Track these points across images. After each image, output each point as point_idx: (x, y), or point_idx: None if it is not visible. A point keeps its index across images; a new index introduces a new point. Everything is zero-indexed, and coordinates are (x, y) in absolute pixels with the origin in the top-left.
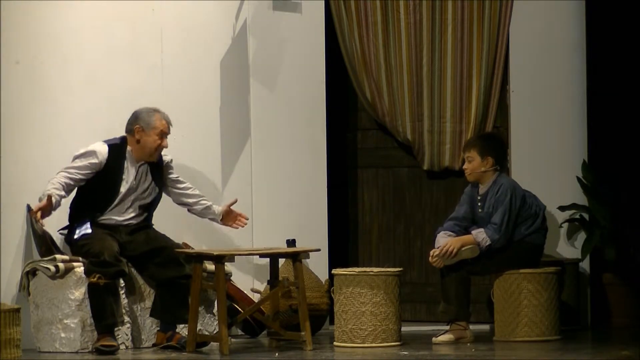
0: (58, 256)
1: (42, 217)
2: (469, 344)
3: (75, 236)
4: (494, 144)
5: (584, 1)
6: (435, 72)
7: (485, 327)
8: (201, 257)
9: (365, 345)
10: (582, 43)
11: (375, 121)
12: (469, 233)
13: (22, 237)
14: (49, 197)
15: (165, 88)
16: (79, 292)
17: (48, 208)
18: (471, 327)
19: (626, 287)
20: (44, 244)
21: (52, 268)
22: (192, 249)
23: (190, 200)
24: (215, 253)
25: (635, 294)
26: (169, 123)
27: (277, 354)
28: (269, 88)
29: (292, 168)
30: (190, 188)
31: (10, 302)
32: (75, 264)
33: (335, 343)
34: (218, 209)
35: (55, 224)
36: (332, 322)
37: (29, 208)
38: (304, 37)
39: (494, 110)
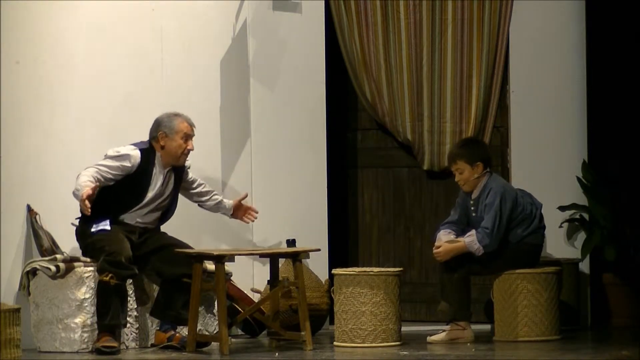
0: (58, 256)
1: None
2: (468, 344)
3: (92, 230)
4: (478, 148)
5: (584, 1)
6: (435, 72)
7: (485, 327)
8: (201, 257)
9: (365, 345)
10: (582, 43)
11: (375, 121)
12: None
13: (22, 237)
14: (95, 187)
15: (165, 88)
16: (80, 292)
17: (92, 197)
18: (476, 326)
19: (626, 287)
20: (45, 244)
21: (53, 268)
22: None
23: (203, 198)
24: (215, 253)
25: (635, 294)
26: (191, 125)
27: (277, 354)
28: (269, 88)
29: (292, 168)
30: (202, 185)
31: (11, 302)
32: (75, 263)
33: (335, 343)
34: (229, 203)
35: (59, 219)
36: (332, 322)
37: (29, 208)
38: (304, 37)
39: (494, 110)
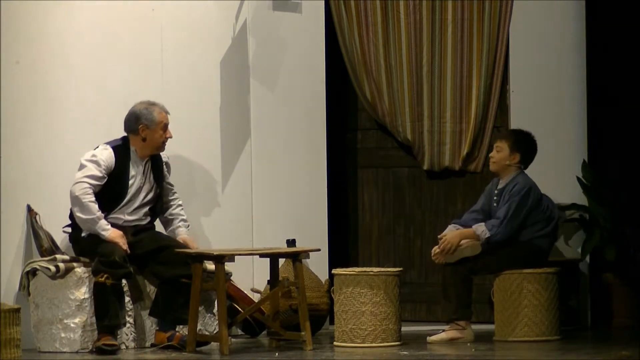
0: (58, 256)
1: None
2: (469, 344)
3: (83, 234)
4: (527, 143)
5: (584, 1)
6: (435, 72)
7: (485, 327)
8: (201, 257)
9: (365, 345)
10: (582, 43)
11: (375, 121)
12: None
13: (22, 237)
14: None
15: (165, 88)
16: (79, 292)
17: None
18: (476, 326)
19: (626, 287)
20: (45, 244)
21: (53, 268)
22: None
23: (166, 216)
24: (215, 253)
25: (636, 294)
26: (167, 113)
27: (277, 354)
28: (269, 88)
29: (292, 168)
30: (173, 204)
31: (11, 302)
32: (75, 264)
33: (335, 343)
34: (180, 232)
35: (59, 219)
36: (332, 322)
37: (29, 208)
38: (304, 37)
39: (494, 110)
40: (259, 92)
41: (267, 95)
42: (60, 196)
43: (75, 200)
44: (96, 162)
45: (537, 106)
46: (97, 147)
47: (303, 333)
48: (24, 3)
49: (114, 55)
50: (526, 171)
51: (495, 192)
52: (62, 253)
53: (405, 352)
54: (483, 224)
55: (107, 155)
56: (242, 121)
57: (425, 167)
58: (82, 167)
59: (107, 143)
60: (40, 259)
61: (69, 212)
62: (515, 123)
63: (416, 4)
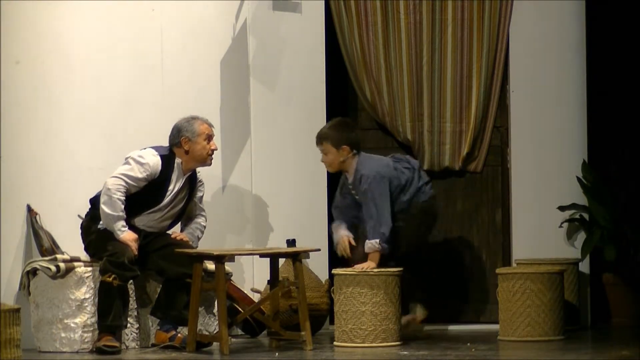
0: (59, 256)
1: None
2: (468, 343)
3: (99, 226)
4: (345, 131)
5: (584, 1)
6: (435, 72)
7: (487, 327)
8: (201, 257)
9: (365, 345)
10: (582, 43)
11: (375, 121)
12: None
13: (22, 237)
14: (137, 238)
15: (165, 88)
16: (80, 292)
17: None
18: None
19: (626, 287)
20: (45, 244)
21: (53, 268)
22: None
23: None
24: (215, 253)
25: (635, 294)
26: (211, 126)
27: (277, 354)
28: (269, 88)
29: (292, 168)
30: (199, 216)
31: (11, 302)
32: (76, 263)
33: (335, 343)
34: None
35: (59, 219)
36: (332, 322)
37: (29, 208)
38: (304, 37)
39: (494, 110)
40: (259, 92)
41: (267, 95)
42: (60, 196)
43: (107, 192)
44: (141, 165)
45: (537, 106)
46: (145, 148)
47: (303, 333)
48: (24, 3)
49: (114, 55)
50: (527, 173)
51: (350, 186)
52: (63, 253)
53: (405, 352)
54: (367, 241)
55: (154, 162)
56: (242, 121)
57: (425, 167)
58: (126, 163)
59: (155, 149)
60: (41, 258)
61: (90, 197)
62: (515, 123)
63: (416, 4)
